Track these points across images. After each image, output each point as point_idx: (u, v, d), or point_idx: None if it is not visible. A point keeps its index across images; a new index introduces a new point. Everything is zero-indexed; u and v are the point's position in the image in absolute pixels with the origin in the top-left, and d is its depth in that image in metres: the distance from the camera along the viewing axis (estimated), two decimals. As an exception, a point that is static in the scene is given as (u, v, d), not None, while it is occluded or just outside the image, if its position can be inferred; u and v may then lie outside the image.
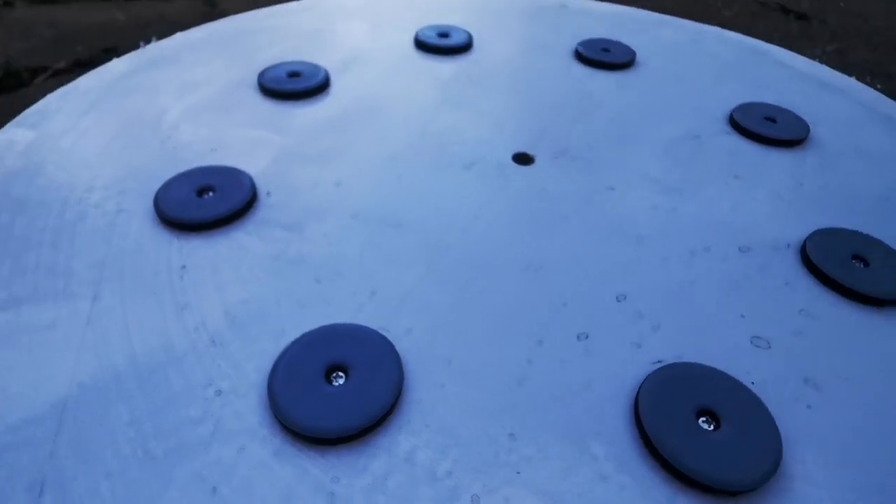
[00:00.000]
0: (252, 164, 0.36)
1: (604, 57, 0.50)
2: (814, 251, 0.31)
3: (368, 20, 0.55)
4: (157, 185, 0.34)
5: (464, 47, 0.51)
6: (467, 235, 0.32)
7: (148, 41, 0.50)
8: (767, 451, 0.22)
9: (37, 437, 0.22)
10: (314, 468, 0.21)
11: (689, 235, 0.33)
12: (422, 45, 0.51)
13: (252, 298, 0.28)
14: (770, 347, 0.27)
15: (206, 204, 0.32)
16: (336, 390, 0.23)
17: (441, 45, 0.50)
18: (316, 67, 0.46)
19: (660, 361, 0.26)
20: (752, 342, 0.27)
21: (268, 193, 0.34)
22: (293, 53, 0.48)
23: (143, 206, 0.32)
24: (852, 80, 0.51)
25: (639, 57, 0.52)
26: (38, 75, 0.58)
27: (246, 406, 0.23)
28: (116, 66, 0.46)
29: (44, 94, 0.51)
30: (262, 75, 0.44)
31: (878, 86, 0.65)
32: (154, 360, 0.25)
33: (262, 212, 0.33)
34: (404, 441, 0.22)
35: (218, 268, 0.29)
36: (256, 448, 0.22)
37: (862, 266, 0.31)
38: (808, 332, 0.28)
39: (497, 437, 0.23)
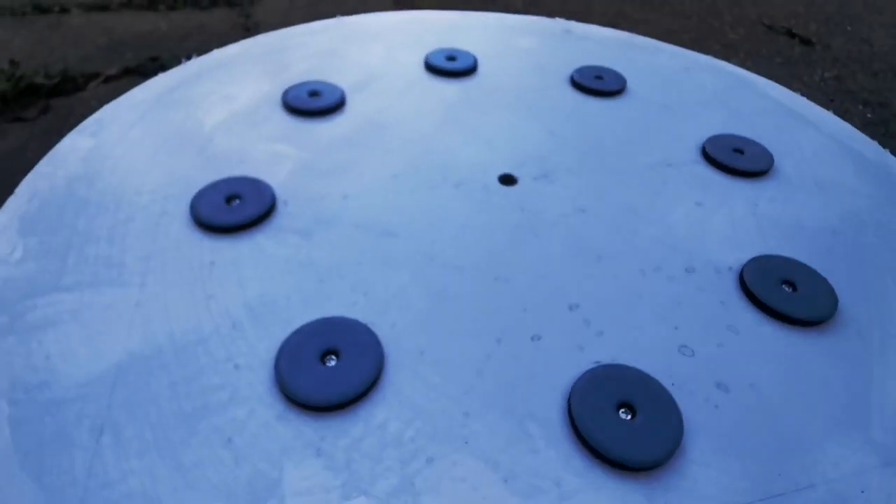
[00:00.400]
0: (273, 176, 0.42)
1: (596, 84, 0.55)
2: (749, 275, 0.36)
3: (385, 41, 0.61)
4: (193, 190, 0.40)
5: (469, 70, 0.56)
6: (450, 247, 0.37)
7: (189, 57, 0.56)
8: (669, 438, 0.27)
9: (98, 393, 0.28)
10: (307, 429, 0.27)
11: (644, 255, 0.38)
12: (431, 68, 0.56)
13: (266, 293, 0.34)
14: (694, 356, 0.32)
15: (233, 210, 0.38)
16: (328, 370, 0.29)
17: (448, 69, 0.56)
18: (334, 87, 0.52)
19: (597, 362, 0.31)
20: (679, 350, 0.32)
21: (285, 203, 0.40)
22: (315, 72, 0.54)
23: (182, 209, 0.39)
24: (829, 114, 0.54)
25: (630, 84, 0.56)
26: (92, 80, 0.65)
27: (257, 378, 0.29)
28: (162, 80, 0.52)
29: (97, 99, 0.58)
30: (286, 94, 0.50)
31: (869, 114, 0.68)
32: (187, 338, 0.31)
33: (279, 219, 0.39)
34: (379, 413, 0.28)
35: (240, 265, 0.35)
36: (263, 411, 0.28)
37: (790, 290, 0.35)
38: (729, 345, 0.33)
39: (454, 415, 0.28)
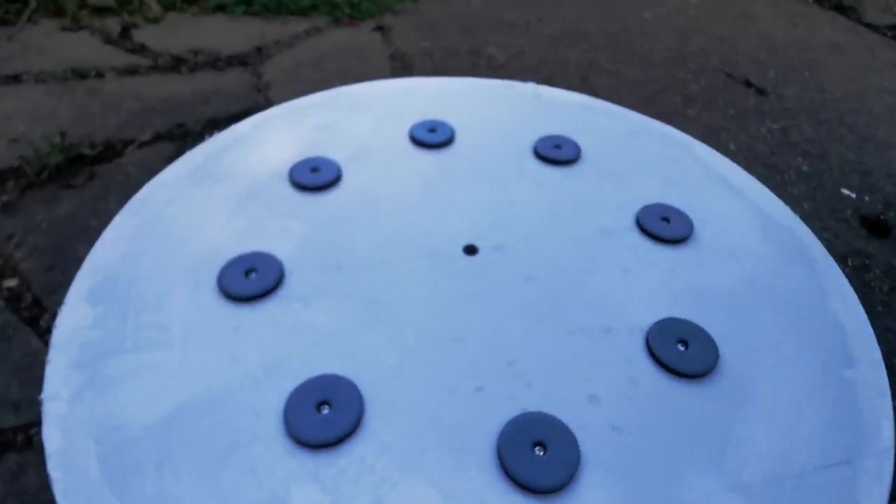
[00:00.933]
0: (282, 249, 0.53)
1: (554, 154, 0.65)
2: (652, 335, 0.46)
3: (375, 113, 0.71)
4: (220, 263, 0.51)
5: (447, 142, 0.67)
6: (419, 312, 0.48)
7: (211, 133, 0.67)
8: (569, 469, 0.37)
9: (159, 433, 0.39)
10: (307, 462, 0.38)
11: (573, 317, 0.48)
12: (414, 140, 0.66)
13: (277, 354, 0.44)
14: (599, 404, 0.42)
15: (251, 283, 0.49)
16: (322, 417, 0.40)
17: (428, 142, 0.66)
18: (331, 163, 0.62)
19: (523, 409, 0.41)
20: (588, 399, 0.42)
21: (291, 273, 0.51)
22: (316, 146, 0.65)
23: (211, 281, 0.49)
24: (752, 180, 0.64)
25: (584, 152, 0.66)
26: (128, 146, 0.77)
27: (271, 423, 0.40)
28: (190, 157, 0.63)
29: (133, 164, 0.69)
30: (291, 171, 0.61)
31: (805, 167, 0.77)
32: (219, 391, 0.42)
33: (286, 289, 0.49)
34: (358, 449, 0.39)
35: (257, 331, 0.46)
36: (276, 448, 0.39)
37: (683, 348, 0.45)
38: (627, 395, 0.43)
39: (413, 450, 0.39)
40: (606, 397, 0.42)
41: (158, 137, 0.77)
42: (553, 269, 0.52)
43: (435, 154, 0.65)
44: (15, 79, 0.87)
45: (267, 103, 0.84)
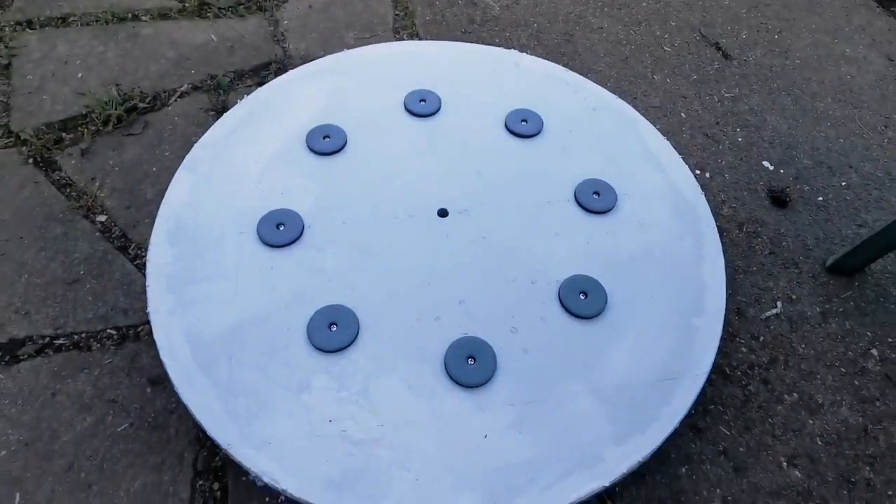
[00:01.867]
0: (302, 206, 0.70)
1: (520, 128, 0.79)
2: (563, 287, 0.65)
3: (375, 79, 0.84)
4: (257, 216, 0.69)
5: (435, 112, 0.81)
6: (401, 262, 0.67)
7: (241, 98, 0.81)
8: (487, 374, 0.58)
9: (226, 339, 0.60)
10: (322, 361, 0.59)
11: (511, 270, 0.67)
12: (407, 109, 0.81)
13: (301, 287, 0.64)
14: (517, 332, 0.62)
15: (281, 234, 0.67)
16: (332, 332, 0.60)
17: (419, 112, 0.80)
18: (340, 130, 0.77)
19: (465, 334, 0.61)
20: (510, 330, 0.62)
21: (309, 227, 0.69)
22: (327, 113, 0.79)
23: (251, 231, 0.68)
24: (678, 159, 0.78)
25: (546, 127, 0.80)
26: (170, 97, 0.91)
27: (299, 335, 0.61)
28: (226, 121, 0.78)
29: (177, 114, 0.86)
30: (307, 137, 0.76)
31: (740, 139, 0.90)
32: (264, 312, 0.62)
33: (306, 239, 0.68)
34: (354, 355, 0.60)
35: (286, 271, 0.65)
36: (303, 352, 0.60)
37: (584, 297, 0.64)
38: (538, 328, 0.63)
39: (389, 358, 0.60)
40: (522, 329, 0.63)
41: (195, 88, 0.91)
42: (502, 231, 0.70)
43: (424, 123, 0.80)
44: (63, 20, 0.98)
45: (284, 55, 0.97)
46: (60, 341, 0.66)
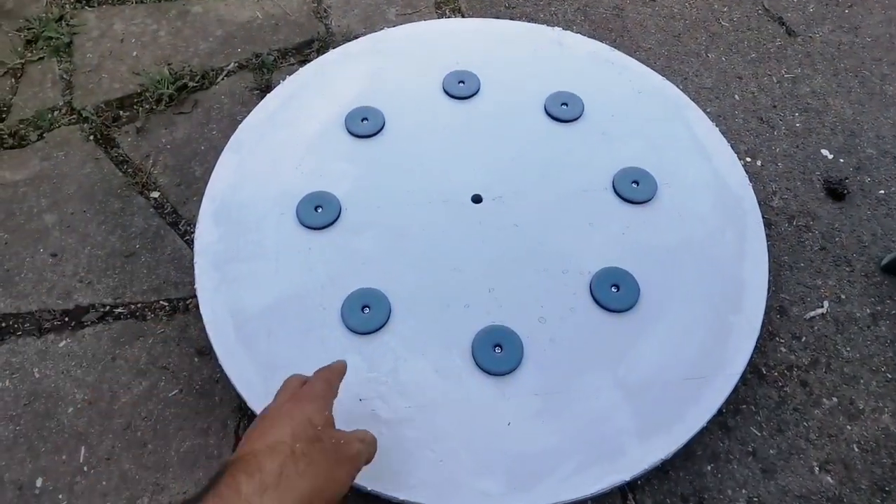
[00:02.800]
0: (340, 188, 0.72)
1: (560, 112, 0.77)
2: (595, 279, 0.64)
3: (413, 60, 0.83)
4: (296, 198, 0.71)
5: (473, 94, 0.80)
6: (433, 247, 0.68)
7: (284, 77, 0.83)
8: (514, 363, 0.59)
9: (265, 315, 0.63)
10: (355, 342, 0.62)
11: (542, 259, 0.66)
12: (446, 91, 0.80)
13: (337, 269, 0.66)
14: (545, 323, 0.62)
15: (319, 216, 0.69)
16: (365, 315, 0.63)
17: (457, 95, 0.79)
18: (378, 113, 0.78)
19: (492, 322, 0.62)
20: (538, 320, 0.63)
21: (346, 209, 0.71)
22: (365, 95, 0.80)
23: (290, 212, 0.70)
24: (726, 146, 0.75)
25: (587, 111, 0.78)
26: (218, 75, 0.93)
27: (334, 316, 0.63)
28: (268, 102, 0.80)
29: (223, 93, 0.89)
30: (346, 119, 0.77)
31: (798, 124, 0.85)
32: (301, 291, 0.65)
33: (343, 222, 0.70)
34: (385, 337, 0.62)
35: (323, 252, 0.68)
36: (337, 332, 0.62)
37: (615, 290, 0.64)
38: (566, 319, 0.63)
39: (419, 341, 0.61)
40: (551, 319, 0.63)
41: (241, 67, 0.93)
42: (536, 219, 0.69)
43: (462, 105, 0.79)
44: (120, -1, 1.02)
45: (327, 32, 0.97)
46: (119, 310, 0.72)
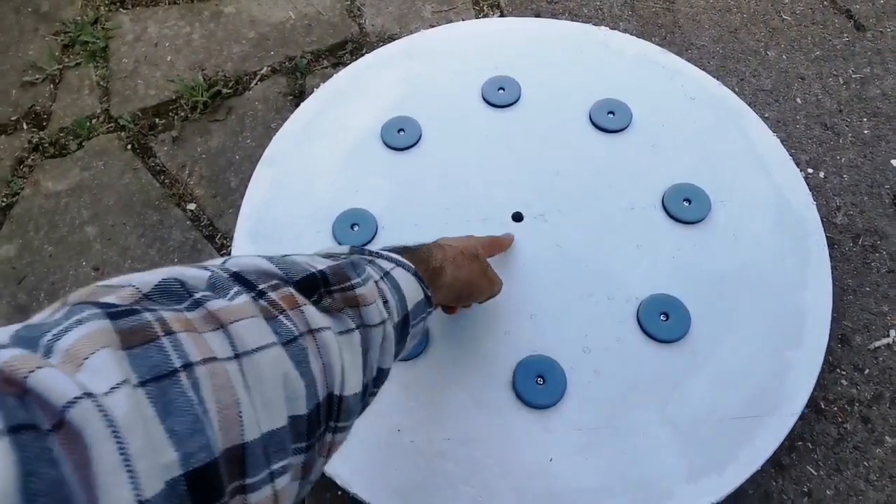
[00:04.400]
0: (376, 205, 0.70)
1: (606, 122, 0.73)
2: (642, 306, 0.61)
3: (451, 65, 0.80)
4: (331, 215, 0.69)
5: (513, 102, 0.76)
6: (473, 268, 0.65)
7: (318, 82, 0.80)
8: (556, 396, 0.57)
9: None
10: (393, 369, 0.61)
11: (585, 284, 0.63)
12: (485, 100, 0.77)
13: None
14: (589, 353, 0.60)
15: (355, 234, 0.68)
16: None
17: (497, 103, 0.76)
18: (415, 124, 0.75)
19: (533, 351, 0.60)
20: (582, 350, 0.60)
21: (383, 228, 0.69)
22: (401, 104, 0.77)
23: (326, 230, 0.69)
24: (787, 160, 0.69)
25: (635, 120, 0.73)
26: (251, 80, 0.92)
27: (369, 340, 0.62)
28: (302, 113, 0.78)
29: (257, 99, 0.87)
30: (382, 130, 0.75)
31: (866, 130, 0.78)
32: (337, 314, 0.64)
33: (379, 240, 0.68)
34: (423, 369, 0.60)
35: (360, 272, 0.66)
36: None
37: (664, 319, 0.60)
38: (612, 350, 0.60)
39: (457, 369, 0.60)
40: (596, 349, 0.60)
41: (274, 71, 0.91)
42: (580, 240, 0.66)
43: (502, 114, 0.76)
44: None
45: (360, 32, 0.94)
46: (158, 325, 0.72)
